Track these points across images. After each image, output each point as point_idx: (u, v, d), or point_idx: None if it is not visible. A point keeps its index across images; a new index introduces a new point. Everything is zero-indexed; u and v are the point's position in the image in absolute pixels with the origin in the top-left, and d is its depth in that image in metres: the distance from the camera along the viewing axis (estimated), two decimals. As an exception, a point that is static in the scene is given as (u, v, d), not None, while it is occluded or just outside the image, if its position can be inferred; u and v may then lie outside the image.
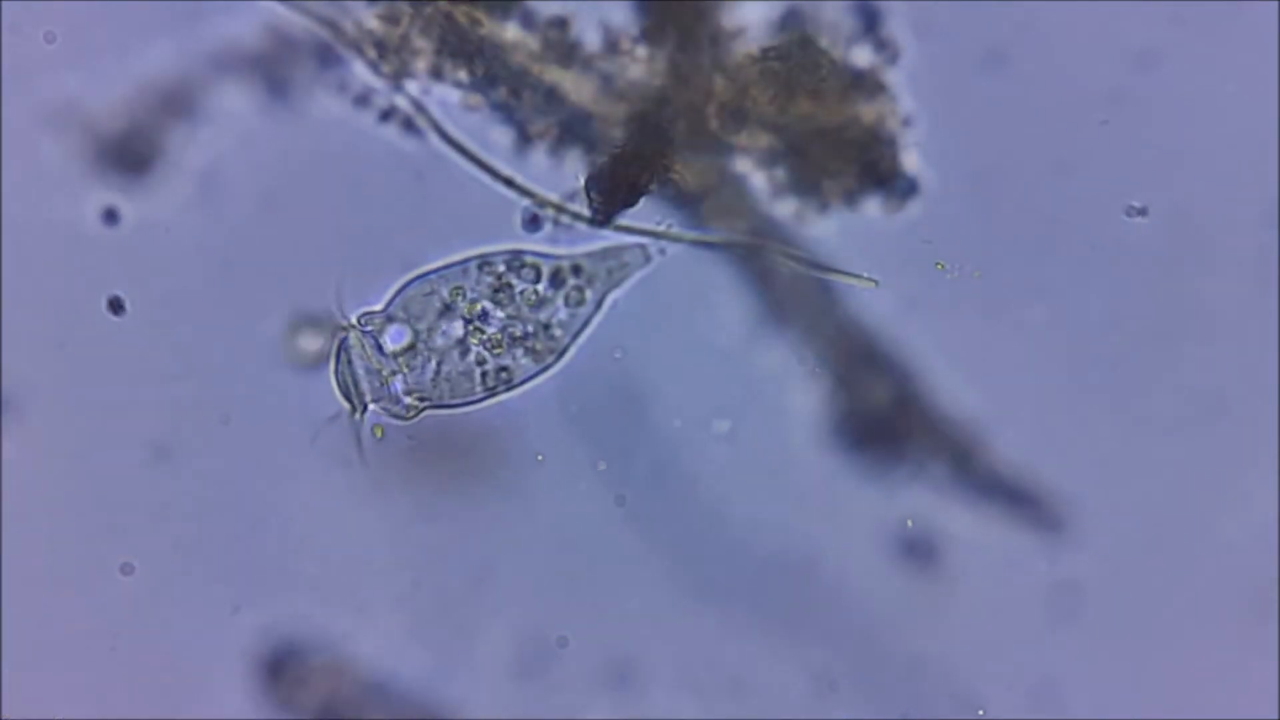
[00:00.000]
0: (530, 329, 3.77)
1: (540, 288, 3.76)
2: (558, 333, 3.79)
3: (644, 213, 3.74)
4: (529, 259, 3.76)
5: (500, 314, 3.76)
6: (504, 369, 3.77)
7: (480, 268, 3.75)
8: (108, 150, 3.73)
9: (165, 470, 3.84)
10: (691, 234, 3.77)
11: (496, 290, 3.75)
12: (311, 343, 3.74)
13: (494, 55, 3.68)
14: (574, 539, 3.90)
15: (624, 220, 3.74)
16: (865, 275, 3.77)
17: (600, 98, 3.68)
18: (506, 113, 3.71)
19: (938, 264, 3.77)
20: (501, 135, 3.73)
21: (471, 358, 3.75)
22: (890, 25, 3.69)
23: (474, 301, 3.75)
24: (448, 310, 3.74)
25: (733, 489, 3.89)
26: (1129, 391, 3.83)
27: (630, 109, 3.67)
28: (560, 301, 3.78)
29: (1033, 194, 3.78)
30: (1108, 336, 3.82)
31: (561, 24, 3.68)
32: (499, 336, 3.76)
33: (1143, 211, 3.75)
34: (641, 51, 3.66)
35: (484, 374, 3.76)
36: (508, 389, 3.79)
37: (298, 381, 3.78)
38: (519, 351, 3.77)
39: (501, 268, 3.75)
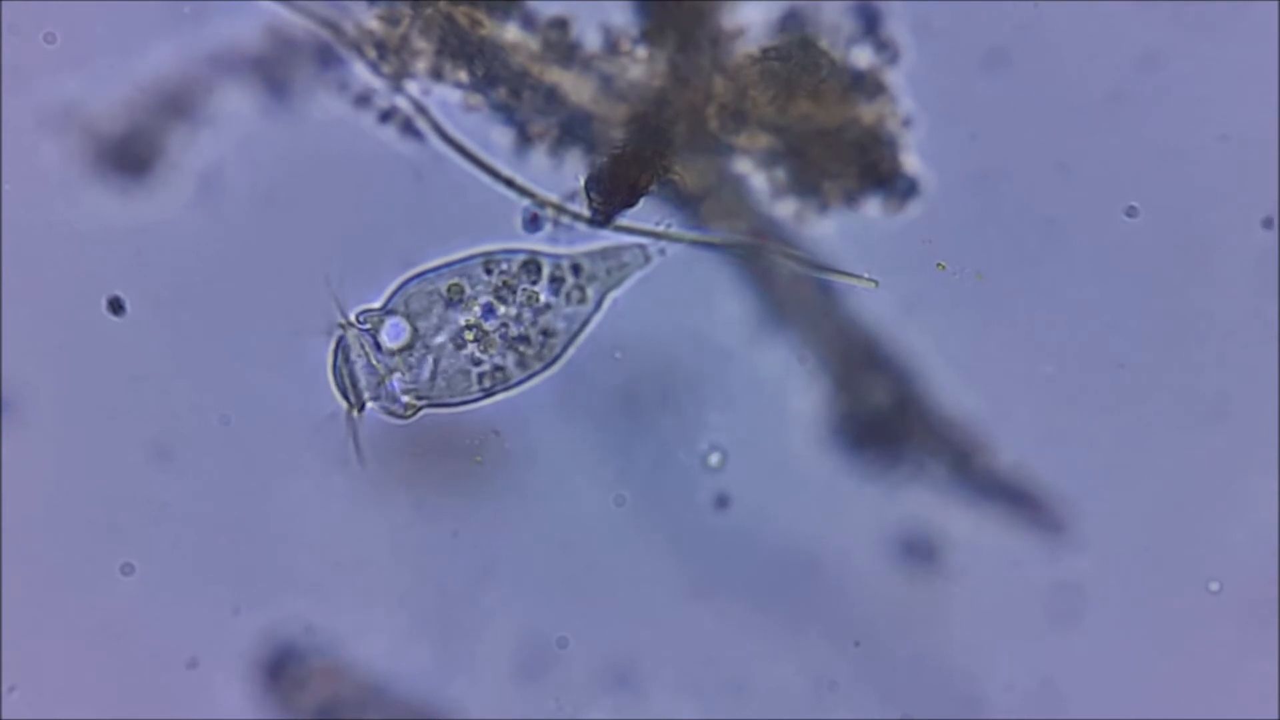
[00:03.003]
0: (524, 332, 3.76)
1: (542, 294, 3.76)
2: (550, 339, 3.78)
3: (644, 213, 3.74)
4: (541, 261, 3.77)
5: (500, 310, 3.76)
6: (500, 369, 3.77)
7: (486, 268, 3.75)
8: (108, 151, 3.73)
9: (165, 470, 3.84)
10: (691, 234, 3.77)
11: (498, 289, 3.75)
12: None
13: (494, 56, 3.68)
14: (574, 539, 3.90)
15: (624, 220, 3.74)
16: (865, 276, 3.77)
17: (600, 98, 3.68)
18: (507, 113, 3.72)
19: (938, 265, 3.78)
20: (501, 136, 3.73)
21: (465, 354, 3.75)
22: (890, 26, 3.69)
23: (473, 299, 3.74)
24: (449, 306, 3.74)
25: (733, 489, 3.89)
26: (1129, 393, 3.83)
27: (630, 110, 3.67)
28: (561, 307, 3.77)
29: (1033, 195, 3.78)
30: (1108, 337, 3.82)
31: (562, 25, 3.68)
32: (493, 337, 3.75)
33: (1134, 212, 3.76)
34: (641, 52, 3.67)
35: (480, 374, 3.76)
36: (505, 389, 3.79)
37: (297, 382, 3.78)
38: (510, 353, 3.77)
39: (506, 265, 3.75)
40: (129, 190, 3.76)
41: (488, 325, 3.75)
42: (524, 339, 3.76)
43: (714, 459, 3.87)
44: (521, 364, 3.78)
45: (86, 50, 3.74)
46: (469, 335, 3.74)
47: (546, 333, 3.77)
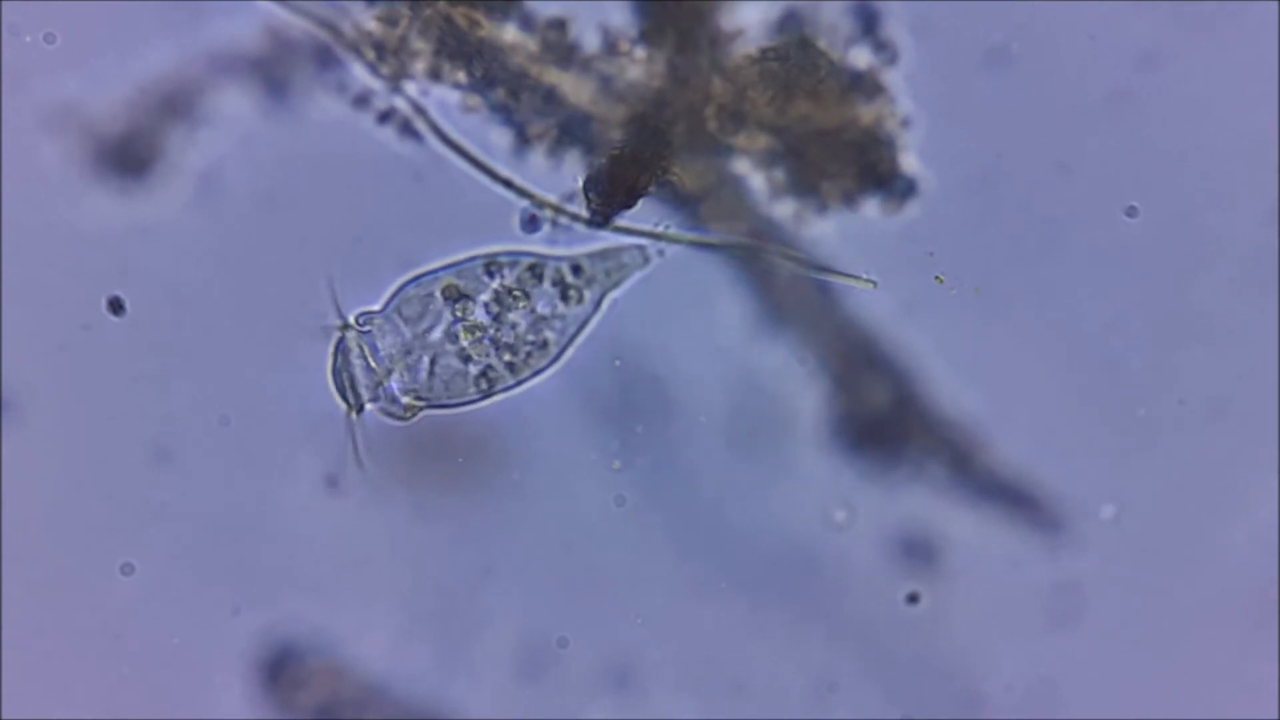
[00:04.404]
0: (512, 341, 3.76)
1: (538, 304, 3.76)
2: (542, 349, 3.78)
3: (643, 214, 3.74)
4: (543, 269, 3.77)
5: (495, 311, 3.76)
6: (492, 369, 3.77)
7: (488, 270, 3.75)
8: (107, 151, 3.73)
9: (165, 471, 3.84)
10: (690, 235, 3.77)
11: (497, 294, 3.75)
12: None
13: (493, 57, 3.68)
14: (574, 539, 3.91)
15: (622, 221, 3.74)
16: (864, 276, 3.77)
17: (599, 99, 3.68)
18: (505, 114, 3.71)
19: (937, 277, 3.77)
20: (500, 136, 3.73)
21: (456, 350, 3.74)
22: (889, 26, 3.69)
23: (471, 303, 3.75)
24: (447, 305, 3.74)
25: (733, 489, 3.89)
26: (1129, 393, 3.83)
27: (629, 111, 3.66)
28: (557, 318, 3.77)
29: (1032, 195, 3.78)
30: (1107, 337, 3.82)
31: (560, 25, 3.67)
32: (482, 339, 3.75)
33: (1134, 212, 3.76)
34: (640, 53, 3.66)
35: (477, 376, 3.76)
36: (504, 391, 3.79)
37: (296, 382, 3.78)
38: (498, 358, 3.77)
39: (505, 272, 3.75)
40: (129, 190, 3.76)
41: (481, 321, 3.75)
42: (510, 347, 3.76)
43: (839, 517, 3.89)
44: (512, 369, 3.78)
45: (86, 51, 3.74)
46: (462, 333, 3.74)
47: (536, 342, 3.77)
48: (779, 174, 3.72)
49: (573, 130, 3.70)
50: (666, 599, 3.91)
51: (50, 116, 3.73)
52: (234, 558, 3.87)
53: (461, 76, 3.70)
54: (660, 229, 3.76)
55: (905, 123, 3.70)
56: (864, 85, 3.68)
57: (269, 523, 3.87)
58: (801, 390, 3.84)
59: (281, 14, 3.71)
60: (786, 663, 3.92)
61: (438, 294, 3.74)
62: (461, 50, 3.68)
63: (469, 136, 3.73)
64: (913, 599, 3.88)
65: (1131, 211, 3.77)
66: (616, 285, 3.78)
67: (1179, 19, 3.73)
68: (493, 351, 3.75)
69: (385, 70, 3.71)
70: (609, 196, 3.69)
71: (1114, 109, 3.75)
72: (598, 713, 3.92)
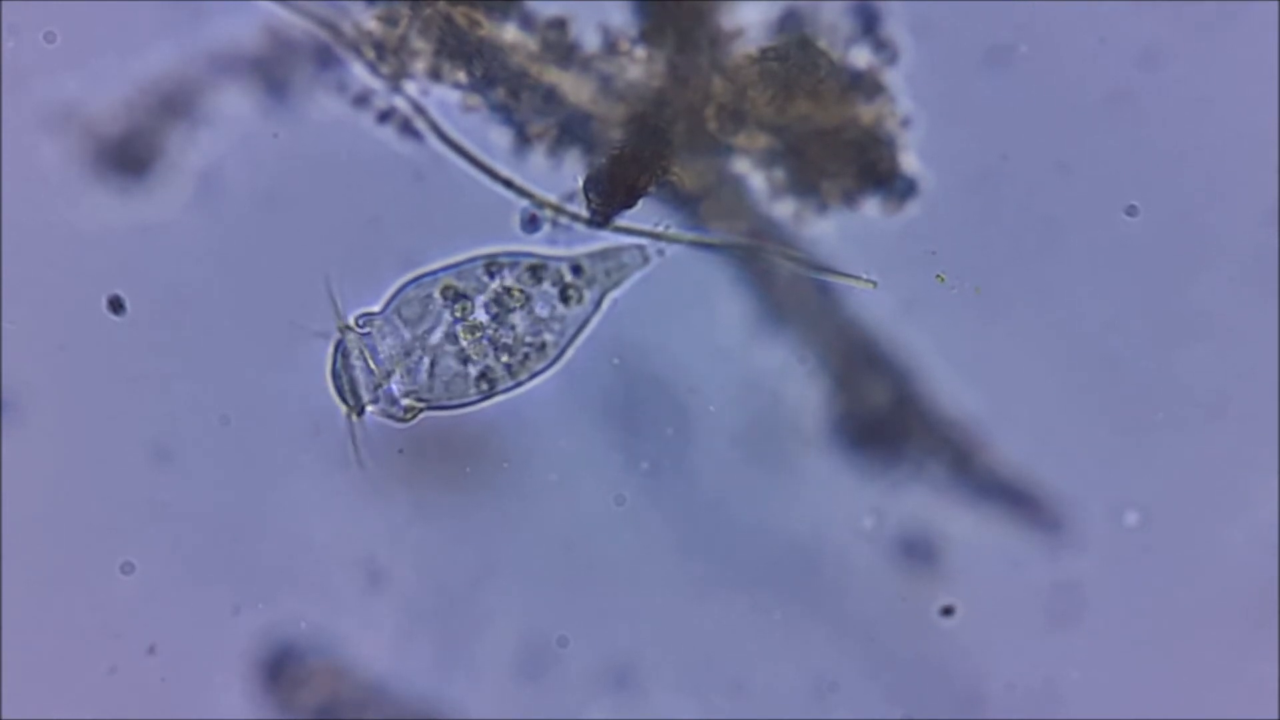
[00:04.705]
0: (510, 342, 3.76)
1: (536, 306, 3.76)
2: (539, 351, 3.78)
3: (643, 214, 3.74)
4: (542, 272, 3.77)
5: (494, 311, 3.75)
6: (490, 369, 3.77)
7: (489, 270, 3.75)
8: (107, 151, 3.73)
9: (165, 470, 3.84)
10: (690, 235, 3.77)
11: (498, 294, 3.75)
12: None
13: (493, 56, 3.68)
14: (574, 539, 3.90)
15: (623, 221, 3.74)
16: (864, 276, 3.77)
17: (599, 99, 3.68)
18: (505, 114, 3.71)
19: (938, 276, 3.77)
20: (500, 136, 3.73)
21: (456, 351, 3.74)
22: (889, 26, 3.69)
23: (470, 303, 3.74)
24: (446, 305, 3.74)
25: (733, 489, 3.89)
26: (1129, 393, 3.83)
27: (629, 110, 3.66)
28: (555, 320, 3.77)
29: (1032, 195, 3.78)
30: (1107, 336, 3.82)
31: (560, 25, 3.67)
32: (480, 339, 3.75)
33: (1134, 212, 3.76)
34: (640, 52, 3.66)
35: (477, 378, 3.76)
36: (505, 392, 3.79)
37: (296, 382, 3.78)
38: (495, 360, 3.77)
39: (505, 273, 3.75)
40: (129, 190, 3.76)
41: (480, 321, 3.75)
42: (508, 348, 3.76)
43: (867, 524, 3.89)
44: (509, 370, 3.77)
45: (86, 51, 3.74)
46: (462, 333, 3.74)
47: (534, 344, 3.76)
48: (779, 174, 3.72)
49: (573, 130, 3.70)
50: (666, 598, 3.91)
51: (50, 116, 3.73)
52: (234, 558, 3.87)
53: (461, 76, 3.70)
54: (660, 229, 3.76)
55: (905, 122, 3.70)
56: (864, 85, 3.68)
57: (269, 523, 3.87)
58: (802, 390, 3.84)
59: (281, 14, 3.71)
60: (786, 662, 3.92)
61: (437, 295, 3.74)
62: (461, 50, 3.68)
63: (469, 136, 3.73)
64: (947, 612, 3.88)
65: (1131, 211, 3.77)
66: (616, 285, 3.78)
67: (1179, 19, 3.73)
68: (491, 352, 3.75)
69: (385, 70, 3.71)
70: (609, 196, 3.68)
71: (1114, 109, 3.75)
72: (598, 713, 3.92)
